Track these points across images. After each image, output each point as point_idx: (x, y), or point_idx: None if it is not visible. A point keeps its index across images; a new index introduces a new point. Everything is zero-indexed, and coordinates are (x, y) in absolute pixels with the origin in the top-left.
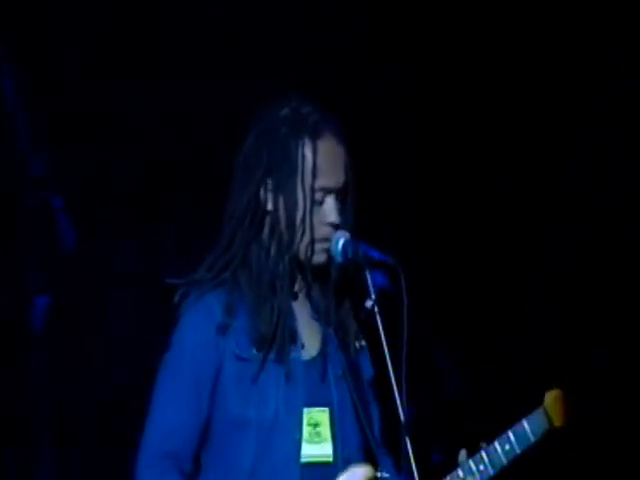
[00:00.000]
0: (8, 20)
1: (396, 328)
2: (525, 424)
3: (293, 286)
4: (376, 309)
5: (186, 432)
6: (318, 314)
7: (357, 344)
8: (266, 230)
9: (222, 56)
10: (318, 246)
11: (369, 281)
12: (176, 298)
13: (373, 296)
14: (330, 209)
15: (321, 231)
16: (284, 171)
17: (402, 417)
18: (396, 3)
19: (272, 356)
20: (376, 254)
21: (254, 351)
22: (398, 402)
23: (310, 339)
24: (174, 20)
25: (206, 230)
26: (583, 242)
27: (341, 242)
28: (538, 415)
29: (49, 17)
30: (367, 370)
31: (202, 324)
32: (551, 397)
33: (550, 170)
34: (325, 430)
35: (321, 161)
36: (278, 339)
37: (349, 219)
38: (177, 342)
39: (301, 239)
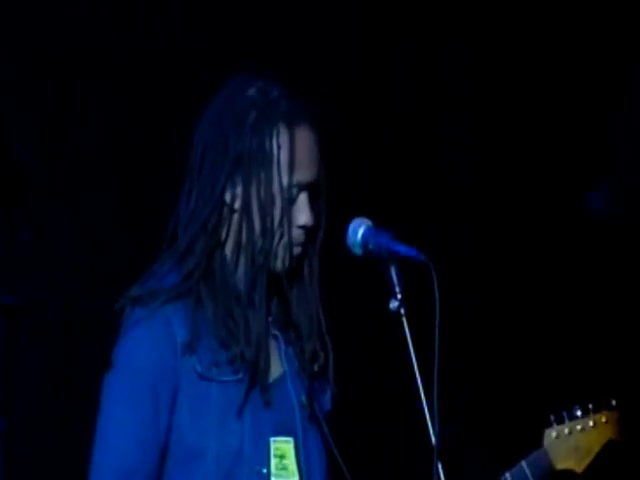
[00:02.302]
0: None
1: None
2: (525, 467)
3: (270, 300)
4: (402, 311)
5: (147, 470)
6: (276, 329)
7: (316, 366)
8: (233, 235)
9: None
10: (294, 252)
11: (394, 278)
12: (127, 310)
13: (399, 296)
14: (303, 209)
15: (293, 234)
16: (257, 163)
17: (433, 439)
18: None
19: (236, 378)
20: (402, 247)
21: (216, 371)
22: (429, 423)
23: (272, 358)
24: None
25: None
26: None
27: (361, 231)
28: (538, 456)
29: None
30: (325, 401)
31: (158, 340)
32: (551, 436)
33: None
34: (291, 463)
35: (299, 153)
36: (259, 362)
37: (322, 220)
38: (128, 362)
39: (278, 244)
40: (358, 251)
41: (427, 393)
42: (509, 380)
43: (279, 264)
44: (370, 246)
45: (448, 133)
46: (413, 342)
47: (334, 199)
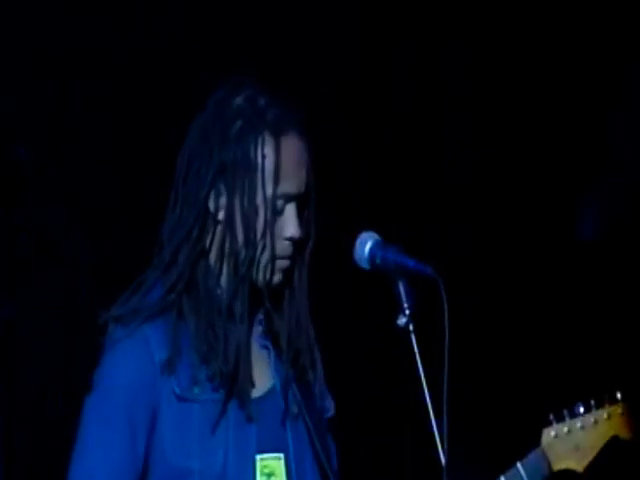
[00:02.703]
0: None
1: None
2: (520, 469)
3: (253, 314)
4: (411, 327)
5: None
6: (267, 340)
7: (312, 374)
8: (216, 245)
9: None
10: (277, 265)
11: (402, 294)
12: (109, 328)
13: (407, 312)
14: (290, 220)
15: (279, 247)
16: (240, 173)
17: (442, 459)
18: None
19: (217, 395)
20: (411, 262)
21: (196, 390)
22: (438, 442)
23: (258, 371)
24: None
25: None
26: None
27: (368, 245)
28: (535, 457)
29: None
30: (327, 407)
31: (136, 361)
32: (550, 436)
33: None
34: None
35: (284, 162)
36: (239, 378)
37: (311, 233)
38: (105, 383)
39: (261, 256)
40: (365, 265)
41: (435, 410)
42: (510, 379)
43: (261, 276)
44: (377, 260)
45: (448, 133)
46: (421, 356)
47: (334, 203)
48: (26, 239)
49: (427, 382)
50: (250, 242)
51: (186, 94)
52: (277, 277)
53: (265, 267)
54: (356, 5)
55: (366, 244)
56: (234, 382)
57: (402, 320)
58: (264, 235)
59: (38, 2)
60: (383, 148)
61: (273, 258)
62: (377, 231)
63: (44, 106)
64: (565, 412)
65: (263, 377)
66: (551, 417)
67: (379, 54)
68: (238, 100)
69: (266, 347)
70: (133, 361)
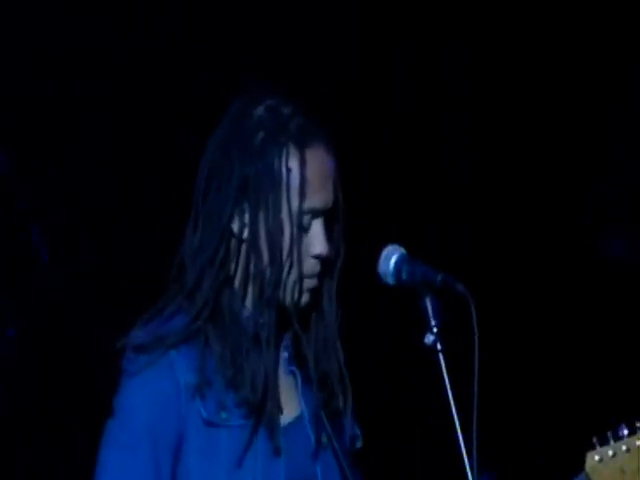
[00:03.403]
0: None
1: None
2: None
3: (280, 338)
4: (439, 347)
5: None
6: (295, 366)
7: (342, 402)
8: (241, 267)
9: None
10: (305, 284)
11: (429, 311)
12: (129, 355)
13: (435, 329)
14: (318, 237)
15: (306, 265)
16: (264, 188)
17: None
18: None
19: (245, 422)
20: (438, 277)
21: (224, 415)
22: (468, 469)
23: (285, 398)
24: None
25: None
26: None
27: (394, 259)
28: None
29: None
30: (354, 436)
31: (160, 387)
32: (593, 460)
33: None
34: None
35: (310, 176)
36: (267, 406)
37: (339, 251)
38: (127, 410)
39: (288, 276)
40: (390, 281)
41: (466, 436)
42: (549, 400)
43: (288, 297)
44: (404, 275)
45: (448, 133)
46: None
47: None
48: (26, 239)
49: (455, 403)
50: (276, 261)
51: (186, 94)
52: (305, 297)
53: (293, 287)
54: (356, 5)
55: (391, 258)
56: (262, 410)
57: (429, 339)
58: (290, 253)
59: (38, 2)
60: (383, 148)
61: (301, 277)
62: (377, 231)
63: (44, 106)
64: (609, 435)
65: (290, 404)
66: (594, 440)
67: (379, 54)
68: (259, 110)
69: (292, 372)
70: (157, 388)
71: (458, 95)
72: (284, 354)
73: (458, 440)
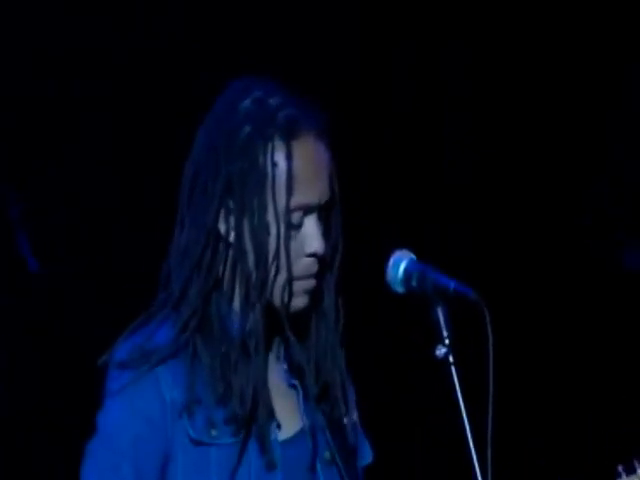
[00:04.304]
0: None
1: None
2: None
3: (269, 345)
4: (451, 359)
5: None
6: (294, 378)
7: (348, 419)
8: (229, 271)
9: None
10: (297, 286)
11: (441, 321)
12: (112, 371)
13: (447, 341)
14: (311, 234)
15: (300, 265)
16: (249, 186)
17: None
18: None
19: (236, 439)
20: (451, 284)
21: (213, 433)
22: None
23: (286, 412)
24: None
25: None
26: None
27: (403, 265)
28: None
29: None
30: (363, 454)
31: (145, 406)
32: None
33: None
34: None
35: (298, 170)
36: (258, 420)
37: (337, 248)
38: (110, 430)
39: (275, 278)
40: (399, 289)
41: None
42: (568, 425)
43: (278, 300)
44: (413, 282)
45: (448, 133)
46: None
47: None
48: (26, 239)
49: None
50: (261, 263)
51: (186, 94)
52: (300, 300)
53: (282, 290)
54: (356, 5)
55: (400, 264)
56: (253, 424)
57: (441, 351)
58: (277, 255)
59: (38, 2)
60: (383, 148)
61: (290, 279)
62: (377, 231)
63: (44, 106)
64: (635, 463)
65: (291, 418)
66: (620, 469)
67: (379, 54)
68: (246, 103)
69: (293, 385)
70: (142, 407)
71: (458, 95)
72: (283, 365)
73: (472, 460)
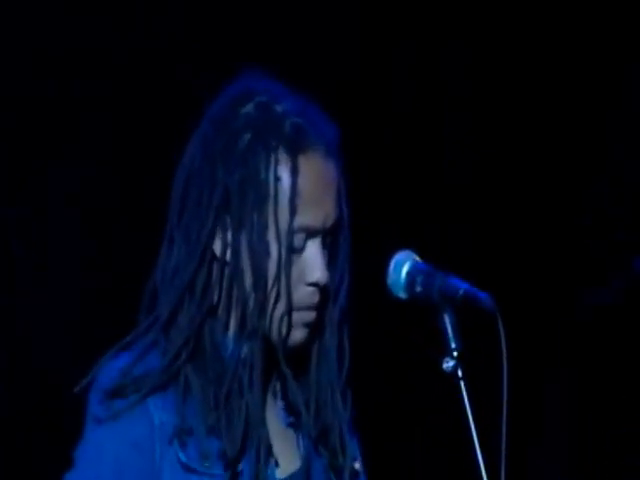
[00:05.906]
0: None
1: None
2: None
3: (269, 379)
4: (460, 372)
5: None
6: (293, 417)
7: (342, 459)
8: (225, 295)
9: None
10: (297, 317)
11: (449, 331)
12: (93, 398)
13: (455, 353)
14: (313, 262)
15: (299, 294)
16: (248, 200)
17: None
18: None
19: (228, 474)
20: (460, 289)
21: (206, 464)
22: None
23: (284, 451)
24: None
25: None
26: None
27: (405, 268)
28: None
29: None
30: None
31: (134, 431)
32: None
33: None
34: None
35: (304, 188)
36: (249, 457)
37: (343, 277)
38: (92, 454)
39: (274, 307)
40: (402, 295)
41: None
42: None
43: (275, 332)
44: (418, 288)
45: (448, 133)
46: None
47: None
48: (25, 239)
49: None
50: (260, 288)
51: (186, 94)
52: (298, 333)
53: (280, 321)
54: (356, 5)
55: (402, 267)
56: (247, 461)
57: (449, 364)
58: (277, 279)
59: (38, 2)
60: (383, 148)
61: (289, 309)
62: (377, 231)
63: (44, 106)
64: None
65: (290, 456)
66: None
67: (379, 54)
68: (249, 107)
69: (290, 424)
70: (128, 430)
71: (458, 95)
72: (281, 402)
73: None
